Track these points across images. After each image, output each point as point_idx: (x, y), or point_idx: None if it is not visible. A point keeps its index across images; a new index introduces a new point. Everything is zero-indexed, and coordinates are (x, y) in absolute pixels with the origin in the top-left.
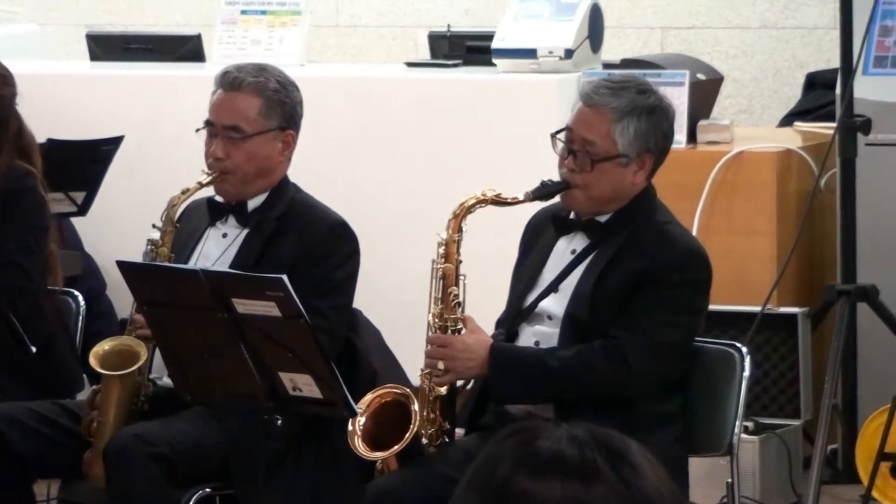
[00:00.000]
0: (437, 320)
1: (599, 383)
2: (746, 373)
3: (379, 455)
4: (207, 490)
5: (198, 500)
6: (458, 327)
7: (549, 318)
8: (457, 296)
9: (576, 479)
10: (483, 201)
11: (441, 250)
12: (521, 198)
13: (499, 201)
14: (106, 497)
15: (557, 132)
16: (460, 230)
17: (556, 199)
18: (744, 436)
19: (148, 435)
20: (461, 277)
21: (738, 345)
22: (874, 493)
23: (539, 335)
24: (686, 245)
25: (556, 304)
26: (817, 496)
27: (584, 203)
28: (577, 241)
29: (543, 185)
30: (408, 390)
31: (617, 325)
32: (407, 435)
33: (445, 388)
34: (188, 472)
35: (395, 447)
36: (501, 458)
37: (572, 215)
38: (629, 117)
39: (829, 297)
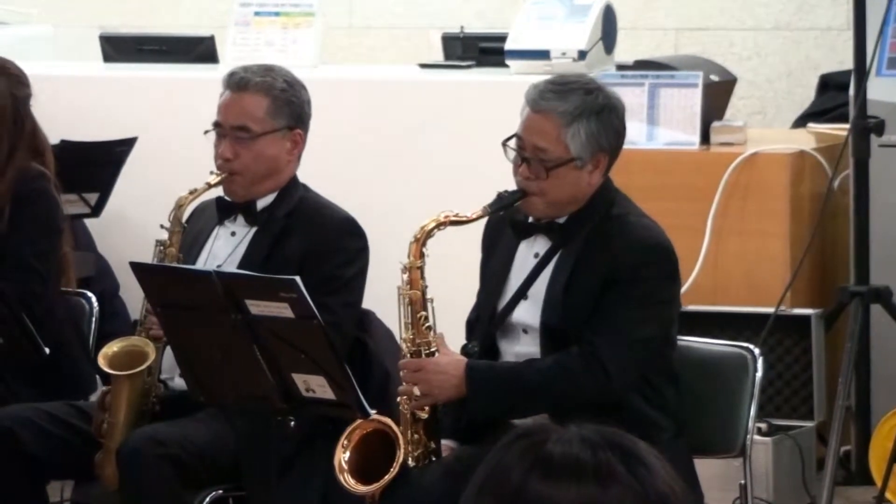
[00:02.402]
0: (409, 346)
1: (580, 392)
2: (759, 374)
3: (366, 489)
4: (220, 491)
5: (211, 502)
6: (432, 349)
7: (525, 331)
8: (427, 319)
9: (591, 481)
10: (442, 224)
11: (405, 277)
12: (479, 213)
13: (458, 221)
14: (118, 498)
15: (507, 140)
16: (422, 255)
17: None
18: (757, 437)
19: (160, 436)
20: (429, 301)
21: (751, 346)
22: (888, 495)
23: (521, 357)
24: (647, 238)
25: (528, 314)
26: (830, 498)
27: (543, 209)
28: (539, 244)
29: (500, 197)
30: (388, 420)
31: (589, 328)
32: (392, 468)
33: (427, 411)
34: (201, 473)
35: (385, 478)
36: (512, 463)
37: (530, 219)
38: (579, 120)
39: (843, 299)
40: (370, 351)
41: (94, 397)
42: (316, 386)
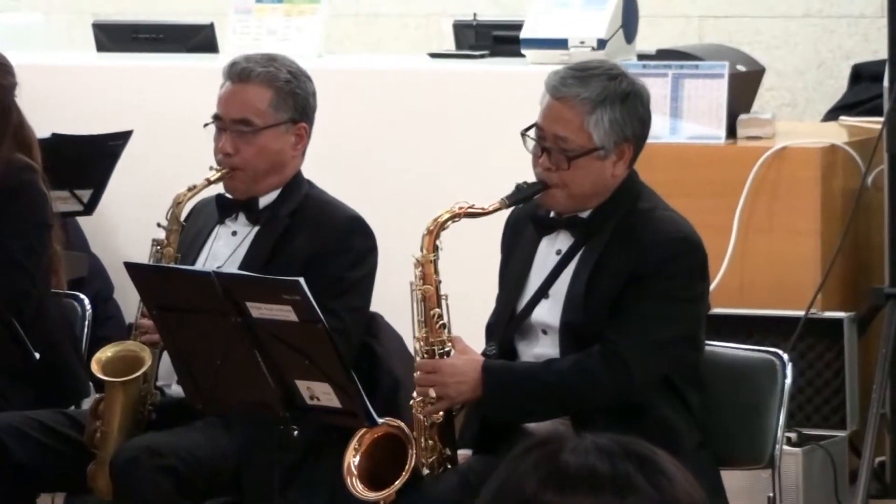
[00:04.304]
0: (423, 345)
1: (601, 393)
2: (789, 381)
3: (376, 495)
4: None
5: None
6: (447, 349)
7: (545, 332)
8: (441, 316)
9: (609, 492)
10: (456, 216)
11: (418, 272)
12: (497, 205)
13: (473, 213)
14: None
15: (527, 129)
16: (436, 249)
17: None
18: (786, 448)
19: (157, 446)
20: (443, 297)
21: (780, 352)
22: None
23: (540, 359)
24: (674, 232)
25: (548, 313)
26: None
27: (564, 202)
28: (561, 241)
29: (519, 188)
30: (401, 423)
31: (612, 327)
32: (404, 471)
33: (441, 415)
34: (199, 484)
35: (395, 484)
36: (526, 475)
37: (552, 214)
38: (602, 107)
39: (877, 301)
40: (378, 356)
41: (86, 405)
42: (321, 393)
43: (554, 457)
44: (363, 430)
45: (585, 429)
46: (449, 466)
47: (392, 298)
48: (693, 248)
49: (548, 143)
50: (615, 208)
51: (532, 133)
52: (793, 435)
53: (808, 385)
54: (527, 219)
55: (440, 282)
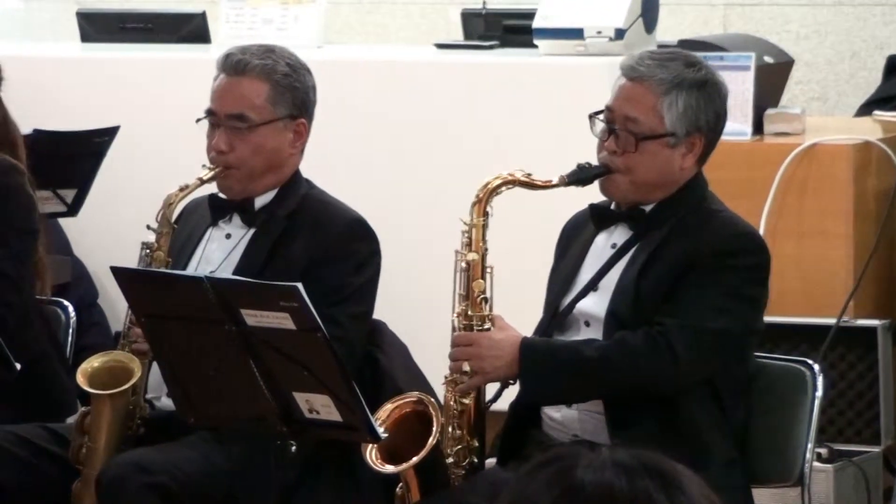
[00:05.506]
0: (461, 319)
1: (642, 373)
2: (819, 393)
3: (394, 469)
4: None
5: None
6: (486, 326)
7: (587, 323)
8: (483, 290)
9: None
10: (510, 182)
11: (465, 238)
12: (555, 181)
13: (529, 183)
14: None
15: (596, 113)
16: (485, 214)
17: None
18: (816, 464)
19: (146, 462)
20: (487, 270)
21: (810, 361)
22: None
23: None
24: (740, 228)
25: (595, 304)
26: None
27: (626, 190)
28: (618, 234)
29: (581, 168)
30: (429, 397)
31: (662, 311)
32: (427, 444)
33: (472, 398)
34: (190, 503)
35: (413, 459)
36: (539, 493)
37: (612, 205)
38: (678, 90)
39: None
40: (381, 367)
41: (71, 419)
42: (320, 406)
43: (568, 474)
44: (390, 405)
45: (619, 427)
46: (475, 460)
47: (396, 306)
48: (758, 249)
49: (617, 124)
50: (679, 205)
51: (601, 117)
52: (823, 451)
53: (840, 397)
54: (584, 223)
55: (486, 250)
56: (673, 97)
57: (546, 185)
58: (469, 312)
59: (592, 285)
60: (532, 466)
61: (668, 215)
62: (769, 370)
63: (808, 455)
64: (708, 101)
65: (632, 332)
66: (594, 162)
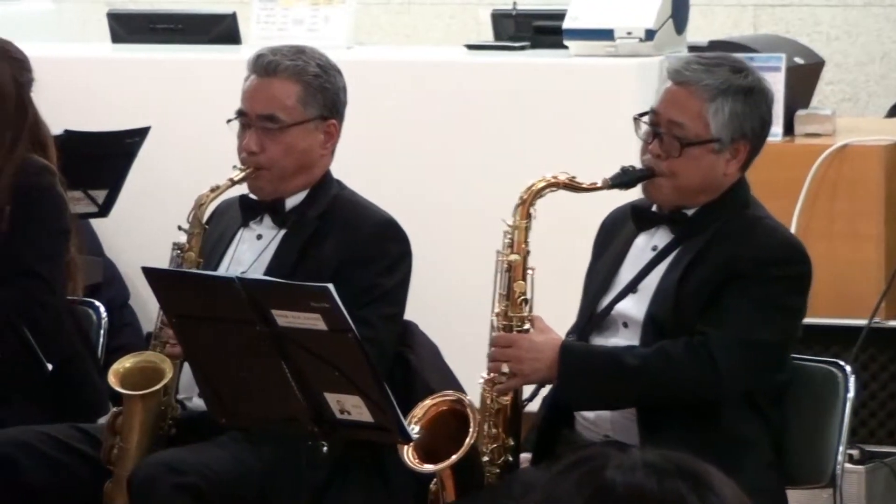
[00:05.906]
0: (501, 319)
1: (683, 383)
2: (851, 394)
3: (432, 468)
4: None
5: None
6: (525, 327)
7: (626, 324)
8: (524, 292)
9: None
10: (554, 185)
11: (507, 239)
12: (598, 184)
13: (573, 186)
14: None
15: (641, 115)
16: (529, 217)
17: (632, 196)
18: (848, 465)
19: (177, 463)
20: (529, 271)
21: (842, 363)
22: None
23: None
24: (783, 237)
25: (634, 307)
26: None
27: (669, 194)
28: (660, 237)
29: (624, 171)
30: (466, 396)
31: (703, 320)
32: (465, 444)
33: (509, 397)
34: None
35: (452, 458)
36: (569, 494)
37: (654, 208)
38: (724, 96)
39: None
40: (413, 368)
41: (103, 419)
42: (351, 407)
43: (599, 475)
44: (428, 401)
45: (652, 432)
46: (510, 459)
47: (427, 307)
48: (801, 259)
49: (662, 128)
50: (721, 210)
51: (646, 119)
52: (855, 452)
53: (872, 398)
54: (624, 219)
55: (529, 252)
56: (719, 103)
57: (591, 188)
58: (509, 313)
59: (632, 287)
60: (562, 467)
61: (710, 220)
62: (801, 372)
63: (839, 456)
64: (754, 107)
65: (672, 342)
66: (637, 164)
